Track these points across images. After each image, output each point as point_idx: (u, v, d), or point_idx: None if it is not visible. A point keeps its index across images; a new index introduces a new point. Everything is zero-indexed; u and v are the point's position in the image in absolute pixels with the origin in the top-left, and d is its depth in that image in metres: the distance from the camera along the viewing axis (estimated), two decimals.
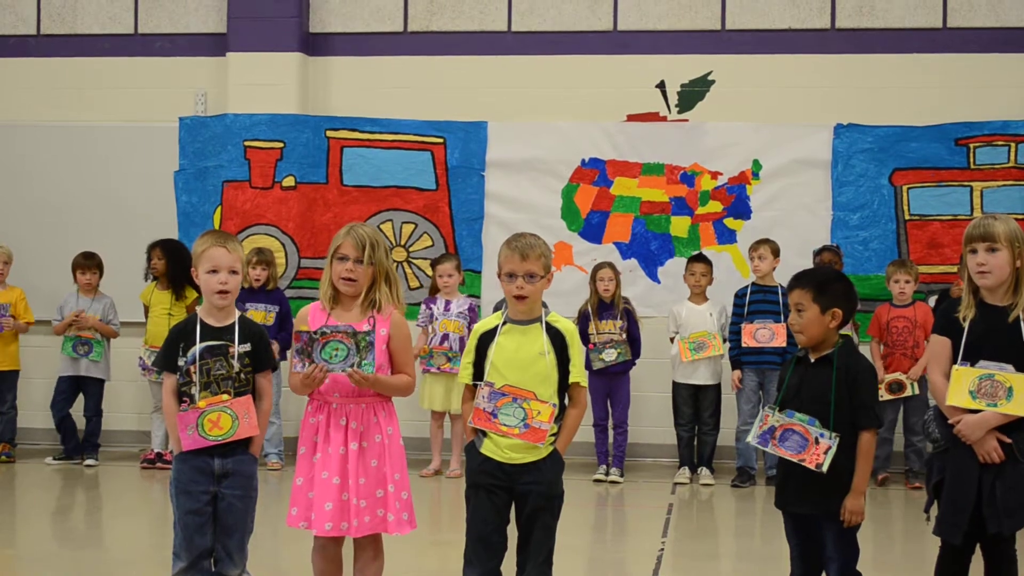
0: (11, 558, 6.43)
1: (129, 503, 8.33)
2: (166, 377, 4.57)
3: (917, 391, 8.47)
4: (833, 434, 4.26)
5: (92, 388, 9.26)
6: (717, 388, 8.78)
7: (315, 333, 4.40)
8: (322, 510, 4.46)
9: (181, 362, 4.51)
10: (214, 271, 4.53)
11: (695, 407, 8.75)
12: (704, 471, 8.69)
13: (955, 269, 8.94)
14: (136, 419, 9.78)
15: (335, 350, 4.40)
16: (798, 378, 4.43)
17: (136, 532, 7.22)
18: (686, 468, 8.75)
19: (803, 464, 4.27)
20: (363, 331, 4.40)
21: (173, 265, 8.94)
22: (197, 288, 8.92)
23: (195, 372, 4.49)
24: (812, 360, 4.43)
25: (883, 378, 8.46)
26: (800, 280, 4.49)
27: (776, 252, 8.68)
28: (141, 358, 9.04)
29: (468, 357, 4.52)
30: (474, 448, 4.48)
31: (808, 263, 8.77)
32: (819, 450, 4.27)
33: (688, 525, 7.67)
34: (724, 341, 8.72)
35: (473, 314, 8.94)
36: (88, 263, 9.24)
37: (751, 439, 4.41)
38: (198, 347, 4.50)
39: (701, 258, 8.92)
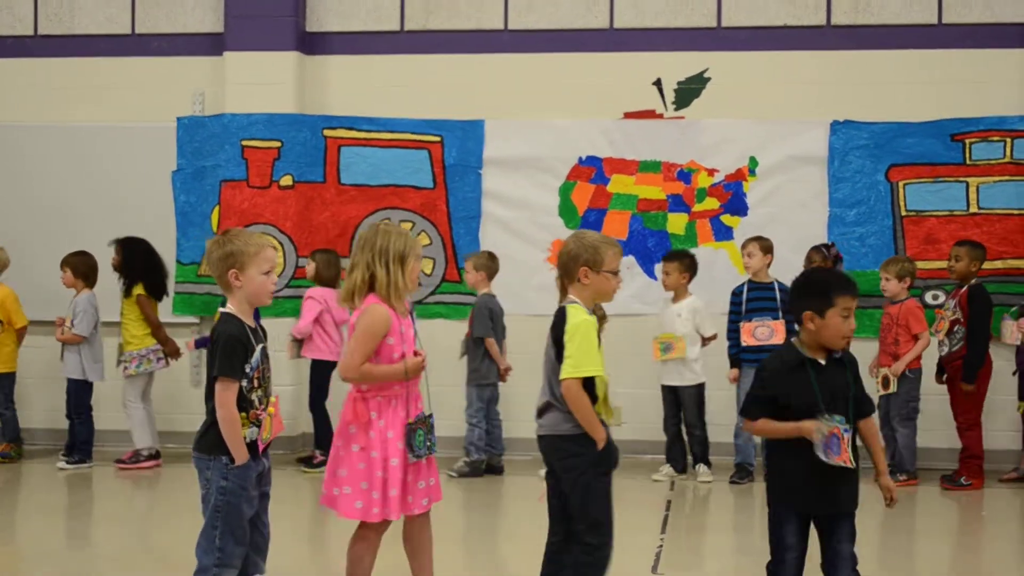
0: (10, 554, 6.46)
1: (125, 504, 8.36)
2: (231, 384, 4.39)
3: (896, 388, 8.49)
4: (848, 426, 4.35)
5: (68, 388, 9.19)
6: (698, 388, 8.68)
7: (413, 424, 4.77)
8: (392, 495, 4.71)
9: (247, 368, 4.43)
10: (268, 272, 4.51)
11: (677, 407, 8.75)
12: (701, 468, 8.68)
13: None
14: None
15: (420, 436, 4.80)
16: (819, 381, 4.44)
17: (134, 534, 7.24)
18: (668, 467, 8.71)
19: (842, 464, 4.31)
20: (430, 414, 4.86)
21: (126, 261, 8.97)
22: (156, 287, 9.02)
23: (258, 377, 4.46)
24: (823, 362, 4.48)
25: (873, 374, 8.54)
26: (855, 286, 4.54)
27: (767, 249, 8.67)
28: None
29: (600, 351, 4.64)
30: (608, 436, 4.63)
31: (803, 259, 8.82)
32: (846, 446, 4.33)
33: (687, 521, 7.69)
34: (704, 340, 8.64)
35: None
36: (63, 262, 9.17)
37: (820, 454, 4.33)
38: (258, 351, 4.47)
39: (670, 256, 8.86)
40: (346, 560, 4.90)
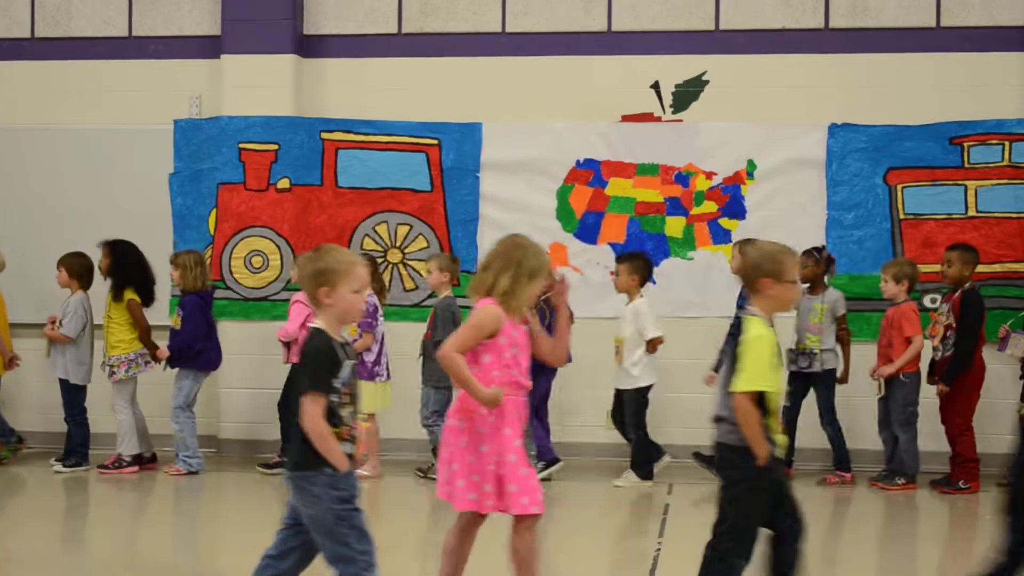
0: (1, 560, 6.45)
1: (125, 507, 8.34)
2: (319, 399, 4.34)
3: (883, 392, 8.49)
4: None
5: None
6: (636, 392, 8.56)
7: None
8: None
9: (337, 383, 4.38)
10: (359, 290, 4.48)
11: (621, 411, 8.71)
12: (626, 473, 8.56)
13: None
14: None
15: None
16: None
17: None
18: (628, 472, 8.63)
19: None
20: None
21: (116, 265, 8.95)
22: (146, 290, 8.99)
23: (348, 392, 4.42)
24: None
25: (874, 377, 8.59)
26: None
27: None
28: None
29: (777, 365, 4.65)
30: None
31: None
32: None
33: (685, 525, 7.66)
34: (649, 344, 8.51)
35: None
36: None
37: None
38: (348, 367, 4.43)
39: (620, 257, 8.81)
40: (515, 558, 4.90)
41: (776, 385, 4.62)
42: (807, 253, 8.76)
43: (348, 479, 4.39)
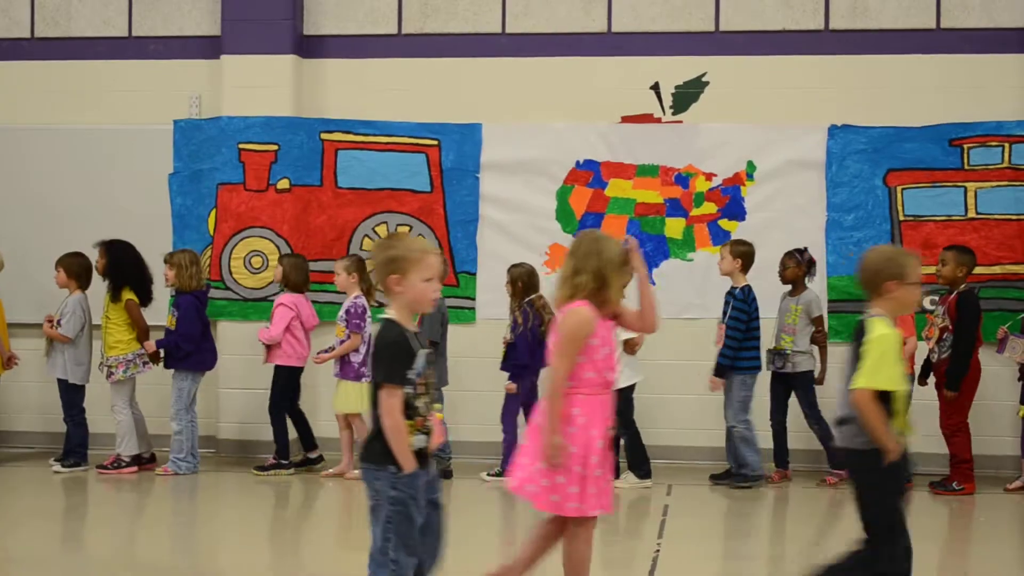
0: (2, 560, 6.44)
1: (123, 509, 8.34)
2: (395, 391, 4.30)
3: None
4: None
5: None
6: (617, 393, 8.56)
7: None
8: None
9: (411, 374, 4.34)
10: (430, 279, 4.43)
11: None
12: (624, 474, 8.53)
13: None
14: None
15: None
16: None
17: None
18: (627, 473, 8.61)
19: None
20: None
21: (113, 265, 8.94)
22: (143, 290, 8.99)
23: (423, 383, 4.38)
24: None
25: None
26: None
27: (737, 254, 8.60)
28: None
29: (899, 366, 4.67)
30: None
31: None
32: None
33: (684, 526, 7.66)
34: (626, 344, 8.37)
35: (350, 314, 8.88)
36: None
37: None
38: (422, 357, 4.39)
39: None
40: (567, 562, 4.91)
41: (900, 385, 4.62)
42: (789, 255, 8.80)
43: (411, 480, 4.33)
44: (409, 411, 4.33)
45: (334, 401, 8.96)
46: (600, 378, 4.85)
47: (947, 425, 8.42)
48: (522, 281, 8.76)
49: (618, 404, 8.46)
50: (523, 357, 8.65)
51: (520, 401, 8.67)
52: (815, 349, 8.79)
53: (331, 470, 8.93)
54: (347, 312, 8.85)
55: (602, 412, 4.87)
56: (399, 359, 4.33)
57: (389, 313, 4.43)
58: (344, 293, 9.00)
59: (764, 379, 8.81)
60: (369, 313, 8.86)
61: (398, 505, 4.32)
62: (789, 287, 8.85)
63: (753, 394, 8.65)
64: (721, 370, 8.57)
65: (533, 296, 8.75)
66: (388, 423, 4.29)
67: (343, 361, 8.84)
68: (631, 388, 8.52)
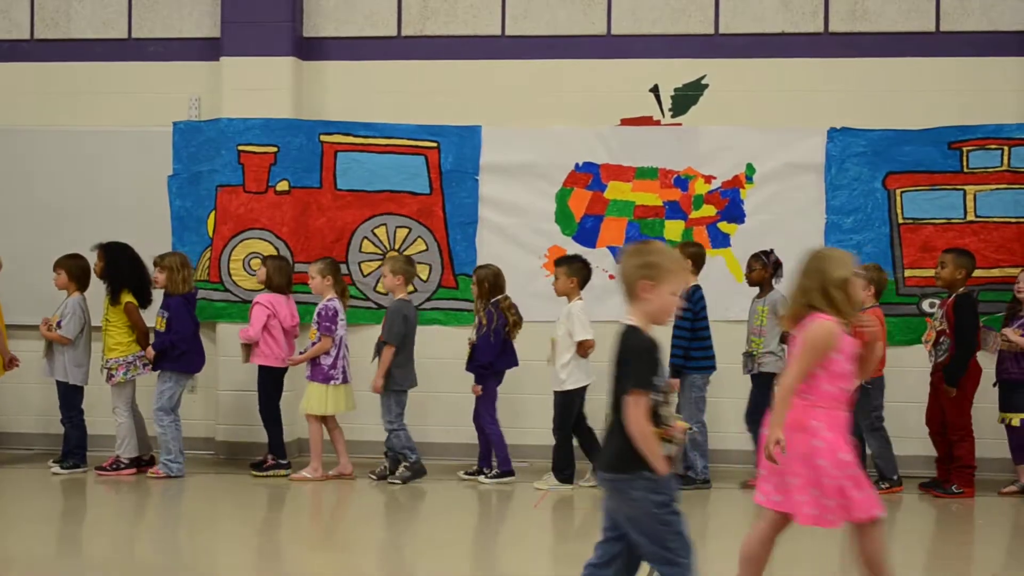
0: (1, 561, 6.44)
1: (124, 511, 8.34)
2: (642, 398, 4.23)
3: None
4: None
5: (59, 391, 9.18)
6: (563, 395, 8.51)
7: None
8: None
9: (658, 381, 4.28)
10: (675, 294, 4.38)
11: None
12: (546, 476, 8.58)
13: None
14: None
15: None
16: None
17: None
18: (551, 475, 8.61)
19: None
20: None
21: (111, 268, 8.94)
22: (142, 292, 8.98)
23: (664, 391, 4.34)
24: None
25: None
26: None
27: (687, 255, 8.37)
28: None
29: None
30: None
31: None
32: None
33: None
34: (578, 346, 8.41)
35: (321, 316, 8.89)
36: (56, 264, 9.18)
37: None
38: (665, 364, 4.35)
39: (557, 260, 8.74)
40: (867, 562, 5.00)
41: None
42: (755, 257, 8.80)
43: (667, 482, 4.29)
44: (655, 419, 4.26)
45: (302, 402, 9.01)
46: (837, 391, 4.91)
47: (955, 431, 8.41)
48: (488, 282, 8.80)
49: (559, 406, 8.55)
50: (486, 358, 8.68)
51: (491, 400, 8.75)
52: (786, 349, 8.77)
53: (303, 471, 8.91)
54: (318, 315, 8.88)
55: (842, 428, 4.92)
56: (648, 365, 4.28)
57: (631, 320, 4.35)
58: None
59: (745, 382, 8.81)
60: (341, 316, 8.89)
61: (665, 508, 4.30)
62: (757, 289, 8.85)
63: (706, 395, 8.62)
64: (675, 370, 8.48)
65: (499, 297, 8.79)
66: (637, 429, 4.22)
67: (313, 363, 8.88)
68: (576, 392, 8.50)
